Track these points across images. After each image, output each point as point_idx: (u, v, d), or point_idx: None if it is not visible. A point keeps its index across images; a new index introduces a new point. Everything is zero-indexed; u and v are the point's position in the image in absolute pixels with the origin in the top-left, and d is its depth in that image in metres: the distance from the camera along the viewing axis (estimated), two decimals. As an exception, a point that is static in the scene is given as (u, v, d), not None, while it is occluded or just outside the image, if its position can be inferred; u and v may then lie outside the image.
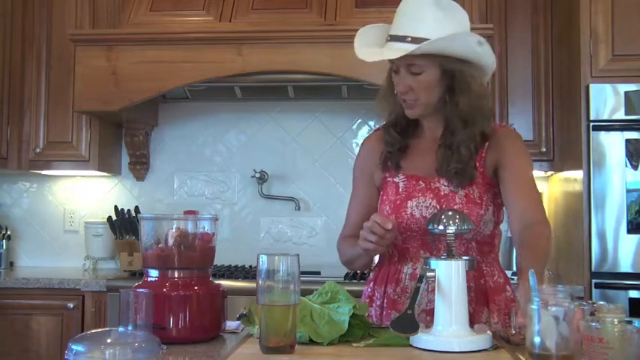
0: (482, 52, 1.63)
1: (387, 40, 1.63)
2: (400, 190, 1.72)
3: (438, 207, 1.64)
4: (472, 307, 1.60)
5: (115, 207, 3.35)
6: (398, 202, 1.70)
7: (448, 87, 1.65)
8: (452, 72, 1.63)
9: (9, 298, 2.91)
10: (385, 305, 1.70)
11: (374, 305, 1.74)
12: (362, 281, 2.73)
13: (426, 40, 1.56)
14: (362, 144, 1.91)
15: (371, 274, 1.84)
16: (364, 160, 1.86)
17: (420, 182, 1.71)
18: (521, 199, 1.67)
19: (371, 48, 1.66)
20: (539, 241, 1.59)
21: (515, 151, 1.73)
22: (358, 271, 2.95)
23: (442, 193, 1.67)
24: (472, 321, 1.55)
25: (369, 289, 1.78)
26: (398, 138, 1.76)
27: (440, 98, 1.67)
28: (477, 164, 1.69)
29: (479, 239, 1.69)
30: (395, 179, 1.74)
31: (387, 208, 1.71)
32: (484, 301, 1.66)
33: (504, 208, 1.74)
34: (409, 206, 1.68)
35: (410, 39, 1.58)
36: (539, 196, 1.76)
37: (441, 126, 1.73)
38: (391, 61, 1.66)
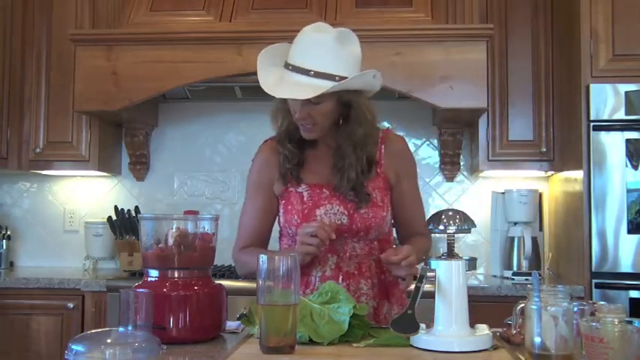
0: (376, 84, 1.73)
1: (289, 69, 1.66)
2: (305, 199, 1.76)
3: (347, 212, 1.72)
4: (376, 301, 1.74)
5: (115, 207, 3.35)
6: (306, 210, 1.75)
7: (343, 115, 1.73)
8: (349, 103, 1.70)
9: (9, 298, 2.91)
10: None
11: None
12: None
13: (328, 74, 1.62)
14: (256, 156, 1.91)
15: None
16: (261, 172, 1.86)
17: (325, 190, 1.76)
18: (412, 212, 1.86)
19: (272, 75, 1.70)
20: (423, 244, 1.81)
21: (409, 168, 1.88)
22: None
23: (349, 198, 1.74)
24: (375, 315, 1.73)
25: None
26: (296, 152, 1.79)
27: (335, 122, 1.74)
28: (377, 170, 1.79)
29: (380, 238, 1.80)
30: (298, 189, 1.78)
31: (296, 217, 1.76)
32: (385, 295, 1.77)
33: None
34: (318, 214, 1.73)
35: (313, 73, 1.62)
36: (423, 207, 1.92)
37: (329, 136, 1.78)
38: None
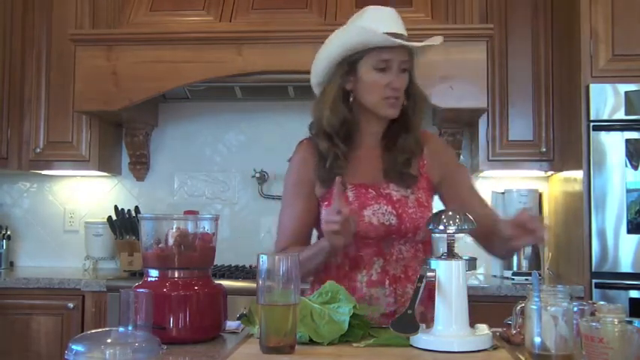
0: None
1: (397, 39, 1.67)
2: (350, 199, 1.71)
3: (395, 212, 1.68)
4: (423, 306, 1.64)
5: (115, 207, 3.35)
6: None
7: (408, 92, 1.75)
8: (413, 78, 1.76)
9: (9, 298, 2.91)
10: None
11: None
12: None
13: (408, 41, 1.68)
14: (294, 156, 1.85)
15: (310, 284, 1.81)
16: (300, 172, 1.80)
17: (370, 190, 1.72)
18: (478, 201, 1.80)
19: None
20: None
21: (454, 161, 1.89)
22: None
23: (395, 199, 1.71)
24: (424, 321, 1.61)
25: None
26: (345, 149, 1.75)
27: None
28: (420, 170, 1.77)
29: (424, 241, 1.76)
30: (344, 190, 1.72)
31: None
32: (431, 299, 1.67)
33: None
34: (366, 215, 1.68)
35: (405, 37, 1.69)
36: (481, 195, 1.86)
37: (381, 131, 1.78)
38: (385, 57, 1.68)
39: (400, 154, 1.74)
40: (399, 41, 1.65)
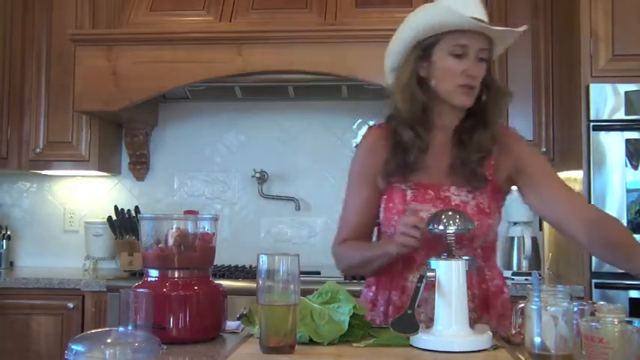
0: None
1: (477, 22, 1.58)
2: (408, 198, 1.63)
3: None
4: (476, 313, 1.59)
5: (115, 207, 3.35)
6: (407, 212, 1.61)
7: (486, 83, 1.65)
8: (491, 68, 1.67)
9: (9, 298, 2.91)
10: (390, 312, 1.65)
11: (377, 310, 1.69)
12: (362, 281, 2.72)
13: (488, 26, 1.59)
14: (361, 143, 1.77)
15: (368, 277, 1.77)
16: (367, 162, 1.71)
17: (429, 191, 1.63)
18: (568, 198, 1.67)
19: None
20: (623, 229, 1.66)
21: (531, 155, 1.73)
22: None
23: (453, 203, 1.62)
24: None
25: (371, 294, 1.72)
26: (427, 141, 1.64)
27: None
28: (487, 172, 1.66)
29: (486, 246, 1.67)
30: (402, 185, 1.65)
31: (396, 217, 1.62)
32: (485, 307, 1.64)
33: (533, 210, 1.74)
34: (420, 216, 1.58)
35: (485, 23, 1.59)
36: (565, 184, 1.72)
37: (452, 126, 1.68)
38: (462, 41, 1.59)
39: (474, 152, 1.63)
40: (481, 24, 1.56)
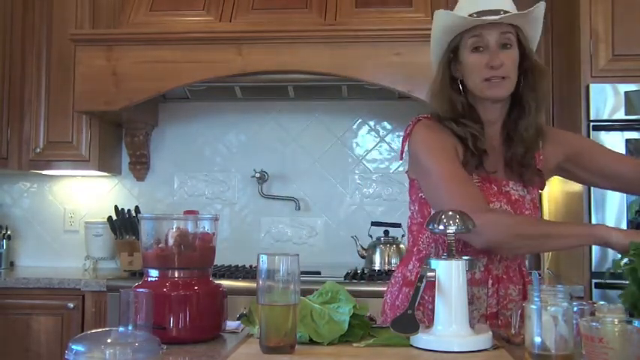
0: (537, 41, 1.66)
1: (474, 17, 1.58)
2: None
3: (512, 212, 1.59)
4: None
5: (115, 207, 3.35)
6: None
7: (523, 69, 1.62)
8: (529, 53, 1.62)
9: (9, 298, 2.91)
10: None
11: (422, 308, 1.61)
12: (362, 281, 2.73)
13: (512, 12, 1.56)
14: (422, 127, 1.64)
15: (405, 275, 1.69)
16: (441, 135, 1.61)
17: (493, 186, 1.61)
18: (635, 164, 1.67)
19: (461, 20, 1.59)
20: None
21: (577, 138, 1.77)
22: (359, 271, 2.95)
23: (513, 198, 1.61)
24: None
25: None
26: (480, 130, 1.60)
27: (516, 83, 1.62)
28: (538, 166, 1.65)
29: None
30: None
31: None
32: None
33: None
34: None
35: (502, 12, 1.56)
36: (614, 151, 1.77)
37: (500, 121, 1.66)
38: (478, 34, 1.58)
39: (521, 146, 1.61)
40: (481, 18, 1.56)
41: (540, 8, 1.60)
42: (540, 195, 1.73)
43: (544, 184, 1.70)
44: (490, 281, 1.60)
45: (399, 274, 1.74)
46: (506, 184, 1.62)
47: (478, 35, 1.58)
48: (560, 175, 1.77)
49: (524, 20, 1.60)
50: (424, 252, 1.68)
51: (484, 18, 1.56)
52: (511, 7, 1.60)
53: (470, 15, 1.58)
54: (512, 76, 1.60)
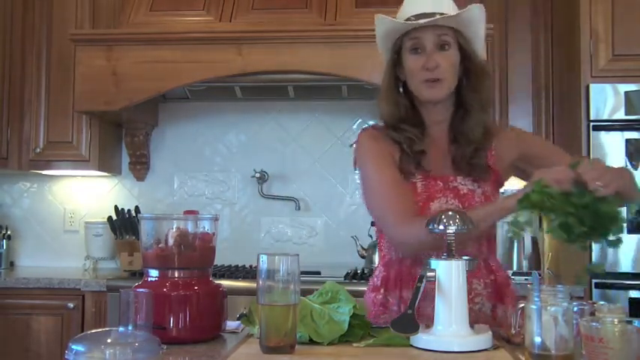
0: (483, 45, 1.69)
1: (412, 20, 1.61)
2: (419, 190, 1.64)
3: (461, 206, 1.60)
4: (490, 303, 1.62)
5: (115, 207, 3.35)
6: (420, 203, 1.62)
7: (465, 70, 1.66)
8: (469, 54, 1.65)
9: (9, 298, 2.91)
10: (403, 310, 1.65)
11: (390, 311, 1.66)
12: (362, 281, 2.73)
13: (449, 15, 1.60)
14: (364, 136, 1.73)
15: (373, 281, 1.74)
16: (380, 147, 1.67)
17: (438, 182, 1.65)
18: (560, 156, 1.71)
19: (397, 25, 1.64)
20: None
21: (532, 138, 1.79)
22: (359, 271, 2.95)
23: (462, 192, 1.64)
24: (492, 318, 1.60)
25: (380, 296, 1.69)
26: (417, 133, 1.65)
27: (457, 83, 1.66)
28: (489, 162, 1.68)
29: (489, 238, 1.69)
30: (412, 179, 1.65)
31: None
32: (498, 296, 1.65)
33: None
34: (432, 207, 1.60)
35: (438, 15, 1.60)
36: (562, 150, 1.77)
37: (446, 121, 1.70)
38: (416, 37, 1.62)
39: (467, 145, 1.65)
40: (412, 22, 1.60)
41: (474, 10, 1.62)
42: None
43: (500, 180, 1.72)
44: None
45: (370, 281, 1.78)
46: (453, 179, 1.66)
47: (416, 38, 1.63)
48: (516, 176, 1.78)
49: (461, 22, 1.63)
50: (387, 257, 1.72)
51: (419, 21, 1.61)
52: (449, 10, 1.63)
53: (407, 18, 1.63)
54: (449, 77, 1.63)
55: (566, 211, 1.34)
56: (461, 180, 1.66)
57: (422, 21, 1.60)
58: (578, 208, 1.34)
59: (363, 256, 3.18)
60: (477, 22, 1.65)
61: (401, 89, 1.69)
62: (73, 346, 1.06)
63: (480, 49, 1.69)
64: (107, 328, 1.15)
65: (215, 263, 1.56)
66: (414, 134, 1.65)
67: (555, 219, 1.35)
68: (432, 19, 1.60)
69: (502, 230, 3.23)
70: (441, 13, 1.60)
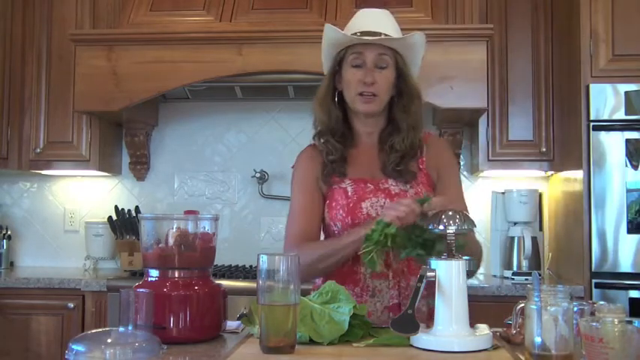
0: (418, 70, 1.83)
1: (357, 36, 1.74)
2: (350, 193, 1.75)
3: None
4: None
5: (116, 207, 3.35)
6: (351, 204, 1.73)
7: (399, 90, 1.78)
8: (405, 76, 1.77)
9: (9, 298, 2.91)
10: None
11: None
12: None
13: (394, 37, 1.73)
14: (299, 156, 1.91)
15: (318, 280, 1.82)
16: (307, 170, 1.85)
17: (369, 184, 1.75)
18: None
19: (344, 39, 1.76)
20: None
21: (451, 167, 1.86)
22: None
23: (393, 193, 1.73)
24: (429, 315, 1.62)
25: None
26: (339, 147, 1.79)
27: (389, 101, 1.79)
28: (420, 166, 1.79)
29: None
30: (342, 185, 1.77)
31: (341, 211, 1.74)
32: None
33: None
34: (364, 207, 1.72)
35: (383, 35, 1.73)
36: (465, 205, 1.79)
37: (377, 132, 1.82)
38: (359, 52, 1.74)
39: (393, 154, 1.76)
40: (362, 38, 1.71)
41: (416, 37, 1.75)
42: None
43: (432, 182, 1.80)
44: (390, 274, 1.70)
45: None
46: (385, 181, 1.76)
47: (359, 53, 1.75)
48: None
49: (403, 46, 1.75)
50: None
51: (364, 38, 1.73)
52: (394, 33, 1.75)
53: (354, 33, 1.75)
54: (383, 94, 1.76)
55: (406, 247, 1.46)
56: (392, 182, 1.76)
57: (367, 38, 1.73)
58: (416, 245, 1.46)
59: (363, 256, 3.18)
60: (417, 47, 1.78)
61: (336, 98, 1.81)
62: (73, 346, 1.06)
63: (416, 72, 1.82)
64: (107, 328, 1.15)
65: (215, 263, 1.56)
66: (333, 146, 1.78)
67: (400, 252, 1.48)
68: (377, 37, 1.73)
69: (502, 232, 3.23)
70: (386, 34, 1.73)
